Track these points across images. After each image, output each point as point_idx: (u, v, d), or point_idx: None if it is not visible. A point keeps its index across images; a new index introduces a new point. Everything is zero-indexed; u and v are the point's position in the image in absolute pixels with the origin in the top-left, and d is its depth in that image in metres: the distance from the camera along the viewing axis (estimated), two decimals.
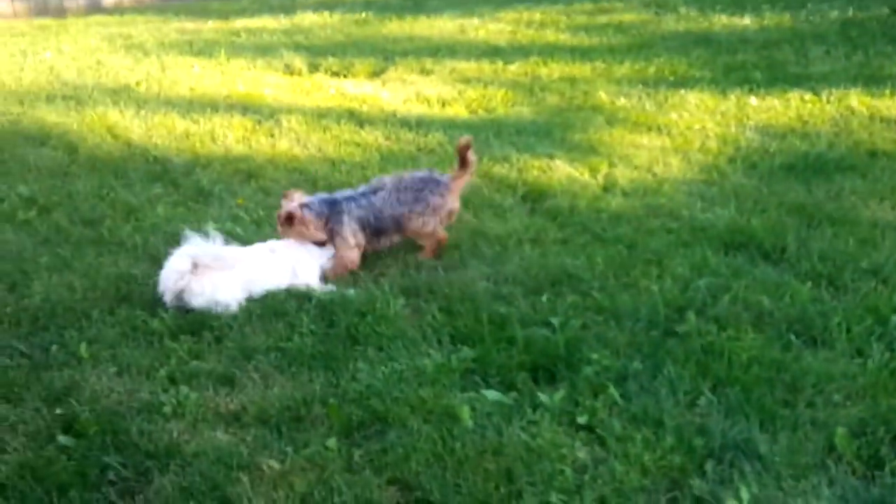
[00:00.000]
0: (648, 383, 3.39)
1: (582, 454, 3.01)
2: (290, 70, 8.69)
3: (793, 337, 3.65)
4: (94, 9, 12.89)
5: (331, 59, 8.85)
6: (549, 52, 8.78)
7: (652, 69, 8.01)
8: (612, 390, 3.32)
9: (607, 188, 5.47)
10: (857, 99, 6.71)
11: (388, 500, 2.85)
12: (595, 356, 3.56)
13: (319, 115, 7.07)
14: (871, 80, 7.13)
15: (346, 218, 4.46)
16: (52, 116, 7.11)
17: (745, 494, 2.76)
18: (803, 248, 4.40)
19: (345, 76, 8.45)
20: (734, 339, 3.64)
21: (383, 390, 3.39)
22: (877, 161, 5.62)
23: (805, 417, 3.14)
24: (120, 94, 7.71)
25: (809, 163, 5.61)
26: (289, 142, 6.47)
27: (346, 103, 7.52)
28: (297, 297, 4.15)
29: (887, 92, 6.76)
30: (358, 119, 7.00)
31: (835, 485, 2.81)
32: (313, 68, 8.73)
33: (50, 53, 9.55)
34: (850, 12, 9.59)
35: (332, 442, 3.12)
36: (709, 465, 2.92)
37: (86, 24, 11.36)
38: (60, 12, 12.61)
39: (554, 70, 8.23)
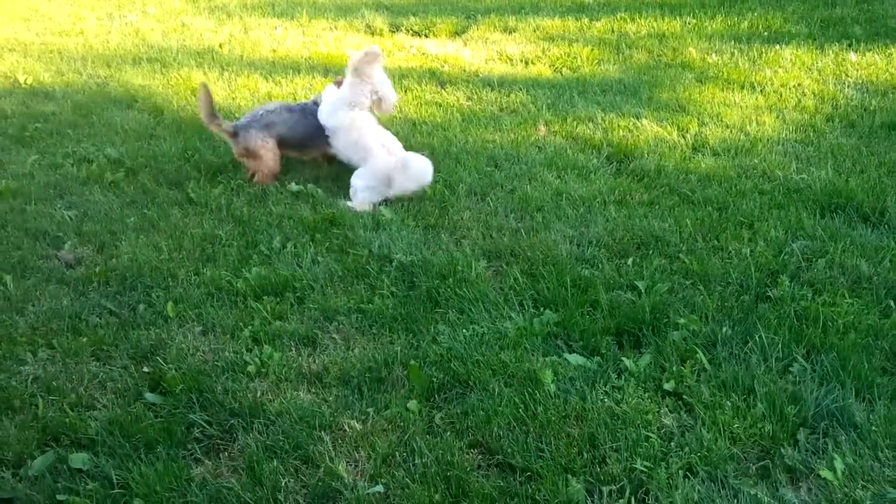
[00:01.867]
0: (739, 349, 3.27)
1: (668, 421, 2.94)
2: (371, 30, 8.65)
3: (892, 302, 3.49)
4: None
5: (412, 19, 8.76)
6: (637, 7, 8.52)
7: (745, 24, 7.68)
8: (701, 356, 3.22)
9: (697, 148, 5.29)
10: None
11: (469, 463, 2.83)
12: (683, 321, 3.46)
13: (401, 76, 7.01)
14: None
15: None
16: (138, 79, 7.23)
17: (839, 464, 2.66)
18: None
19: (426, 36, 8.37)
20: (830, 305, 3.50)
21: (464, 353, 3.35)
22: None
23: None
24: (204, 57, 7.79)
25: None
26: None
27: (428, 63, 7.44)
28: (378, 259, 4.14)
29: None
30: (439, 79, 6.92)
31: None
32: (394, 28, 8.66)
33: (136, 16, 9.71)
34: None
35: (412, 404, 3.10)
36: (801, 434, 2.82)
37: None
38: None
39: (642, 26, 7.98)
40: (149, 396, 3.23)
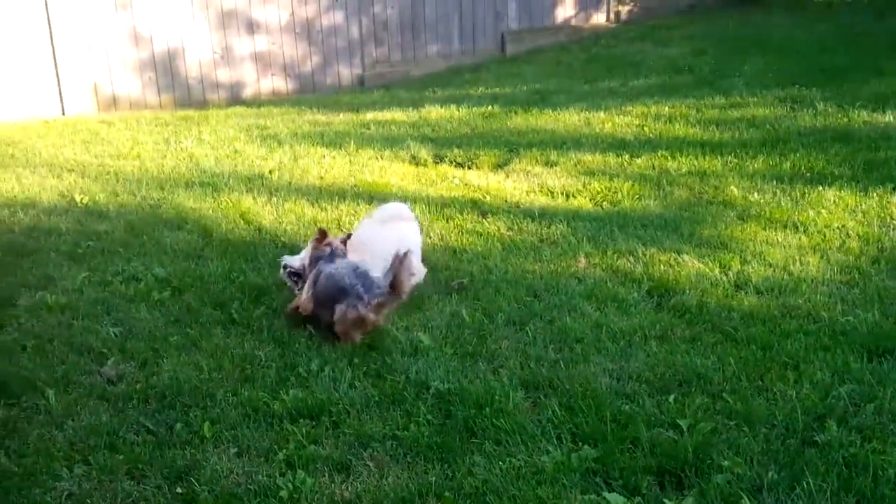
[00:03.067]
0: (785, 496, 3.17)
1: None
2: (415, 161, 8.87)
3: None
4: (234, 101, 13.61)
5: (456, 151, 8.98)
6: (678, 146, 8.65)
7: (787, 165, 7.75)
8: (746, 501, 3.11)
9: (739, 286, 5.26)
10: None
11: None
12: (726, 463, 3.36)
13: (443, 205, 7.14)
14: None
15: None
16: (189, 202, 7.44)
17: None
18: None
19: (469, 167, 8.55)
20: (880, 453, 3.38)
21: (500, 487, 3.28)
22: None
23: None
24: (254, 182, 8.02)
25: None
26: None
27: (470, 193, 7.59)
28: (415, 385, 4.11)
29: None
30: (481, 209, 7.04)
31: None
32: (438, 159, 8.87)
33: (191, 142, 10.09)
34: None
35: None
36: None
37: (225, 115, 11.97)
38: (203, 104, 13.37)
39: (682, 164, 8.09)
40: None
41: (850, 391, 3.89)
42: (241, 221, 6.85)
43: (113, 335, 4.78)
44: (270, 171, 8.49)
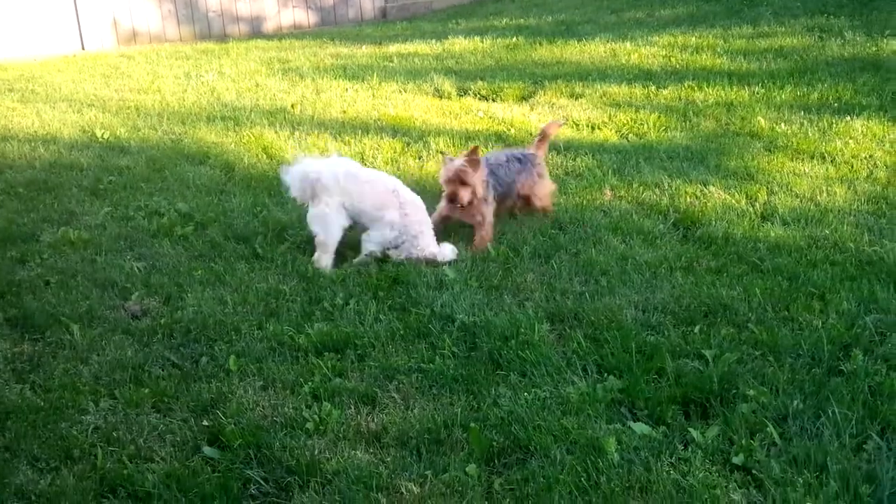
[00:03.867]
0: (811, 424, 3.16)
1: (737, 496, 2.83)
2: (439, 93, 8.77)
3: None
4: (255, 34, 13.49)
5: (480, 83, 8.87)
6: (705, 76, 8.48)
7: (815, 95, 7.59)
8: (771, 429, 3.11)
9: (766, 217, 5.20)
10: None
11: None
12: (752, 392, 3.36)
13: (468, 138, 7.08)
14: None
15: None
16: (211, 136, 7.43)
17: None
18: None
19: (494, 100, 8.45)
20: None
21: (525, 417, 3.30)
22: None
23: None
24: (276, 116, 7.98)
25: None
26: (436, 164, 6.49)
27: (495, 126, 7.51)
28: (440, 319, 4.12)
29: None
30: (505, 142, 6.96)
31: None
32: (462, 92, 8.77)
33: (212, 76, 10.03)
34: None
35: (472, 468, 3.05)
36: None
37: (246, 48, 11.87)
38: (223, 37, 13.27)
39: (709, 95, 7.94)
40: (207, 450, 3.23)
41: (876, 321, 3.86)
42: (264, 156, 6.84)
43: (137, 270, 4.82)
44: (293, 105, 8.44)
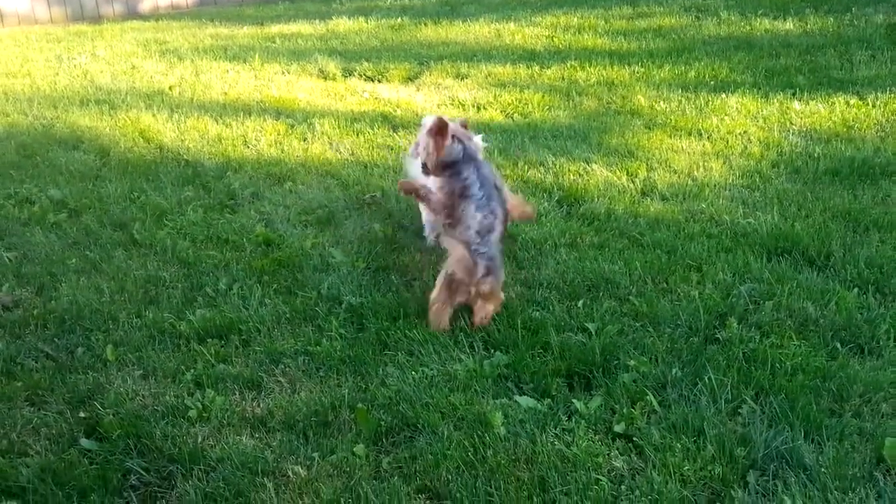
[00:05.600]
0: (688, 391, 3.26)
1: (619, 463, 2.90)
2: (324, 75, 8.66)
3: (838, 345, 3.51)
4: (131, 15, 13.00)
5: (365, 64, 8.79)
6: (587, 56, 8.65)
7: (692, 73, 7.84)
8: (651, 398, 3.20)
9: (646, 192, 5.34)
10: None
11: None
12: (633, 363, 3.44)
13: (353, 120, 7.01)
14: None
15: None
16: (84, 120, 7.12)
17: None
18: (849, 255, 4.24)
19: (379, 81, 8.40)
20: (778, 347, 3.50)
21: (413, 396, 3.29)
22: None
23: (852, 427, 3.00)
24: (153, 99, 7.72)
25: (855, 168, 5.42)
26: (321, 146, 6.42)
27: (380, 107, 7.46)
28: (327, 301, 4.07)
29: None
30: (391, 123, 6.93)
31: (883, 497, 2.67)
32: (347, 73, 8.68)
33: (85, 58, 9.61)
34: None
35: (359, 448, 3.03)
36: (751, 476, 2.79)
37: (121, 29, 11.43)
38: (96, 18, 12.73)
39: (591, 74, 8.10)
40: (84, 442, 3.11)
41: (750, 290, 4.01)
42: (141, 140, 6.60)
43: (7, 260, 4.58)
44: (171, 87, 8.18)
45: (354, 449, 3.02)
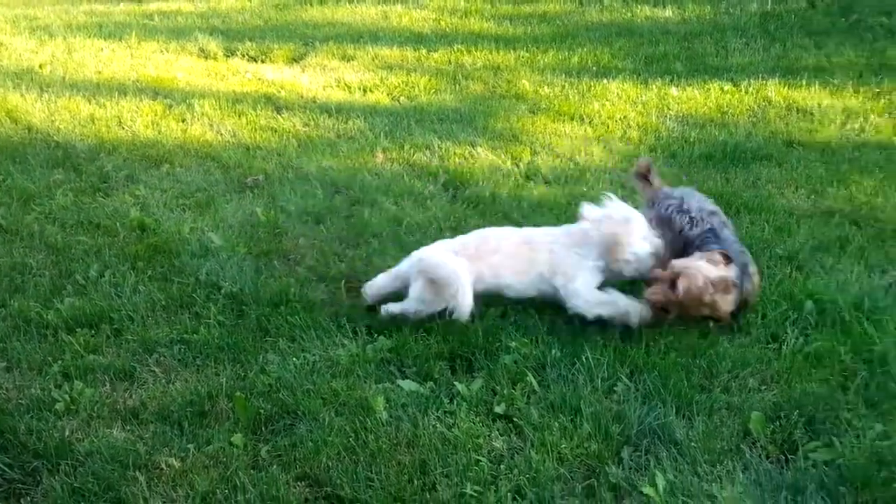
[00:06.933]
0: (567, 371, 3.31)
1: (498, 444, 2.92)
2: (204, 54, 8.41)
3: (709, 323, 3.62)
4: None
5: (248, 44, 8.58)
6: (473, 40, 8.68)
7: (575, 59, 7.97)
8: (531, 378, 3.24)
9: (529, 176, 5.40)
10: (774, 90, 6.77)
11: (296, 497, 2.72)
12: (514, 344, 3.47)
13: (235, 101, 6.83)
14: (789, 72, 7.20)
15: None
16: None
17: (660, 481, 2.71)
18: None
19: (262, 61, 8.21)
20: (651, 326, 3.59)
21: (294, 383, 3.24)
22: (792, 151, 5.66)
23: (721, 402, 3.12)
24: (22, 78, 7.33)
25: (728, 152, 5.63)
26: (201, 127, 6.23)
27: (264, 89, 7.30)
28: (205, 287, 3.96)
29: (803, 83, 6.84)
30: (275, 105, 6.79)
31: (749, 469, 2.78)
32: (229, 53, 8.46)
33: None
34: (769, 5, 9.71)
35: (237, 438, 2.96)
36: (625, 452, 2.86)
37: None
38: None
39: (478, 58, 8.13)
40: None
41: None
42: (8, 120, 6.26)
43: None
44: (41, 66, 7.78)
45: (232, 439, 2.95)
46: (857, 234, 4.38)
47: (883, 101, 6.42)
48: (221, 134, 6.14)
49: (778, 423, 2.96)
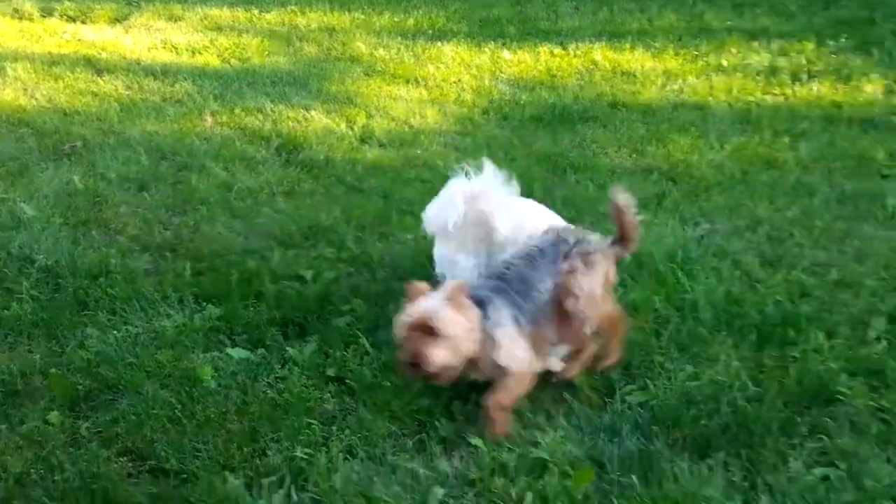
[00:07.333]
0: None
1: (330, 406, 2.92)
2: (19, 14, 7.86)
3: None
4: None
5: (66, 3, 8.09)
6: (307, 1, 8.52)
7: (411, 21, 7.97)
8: (364, 340, 3.23)
9: (364, 139, 5.37)
10: (600, 53, 7.00)
11: (118, 473, 2.61)
12: (347, 307, 3.46)
13: (51, 63, 6.44)
14: (614, 36, 7.46)
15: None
16: None
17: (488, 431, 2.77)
18: (548, 195, 4.50)
19: (83, 22, 7.76)
20: None
21: (115, 356, 3.12)
22: (616, 112, 5.88)
23: None
24: None
25: (556, 114, 5.79)
26: (14, 91, 5.84)
27: (83, 50, 6.90)
28: (17, 261, 3.73)
29: (628, 47, 7.10)
30: (96, 67, 6.44)
31: (570, 415, 2.87)
32: (46, 13, 7.95)
33: None
34: None
35: (54, 416, 2.82)
36: (456, 406, 2.91)
37: None
38: None
39: (312, 20, 7.99)
40: None
41: None
42: None
43: None
44: None
45: (48, 417, 2.81)
46: (674, 190, 4.61)
47: (700, 63, 6.76)
48: (36, 99, 5.78)
49: (598, 371, 3.08)
